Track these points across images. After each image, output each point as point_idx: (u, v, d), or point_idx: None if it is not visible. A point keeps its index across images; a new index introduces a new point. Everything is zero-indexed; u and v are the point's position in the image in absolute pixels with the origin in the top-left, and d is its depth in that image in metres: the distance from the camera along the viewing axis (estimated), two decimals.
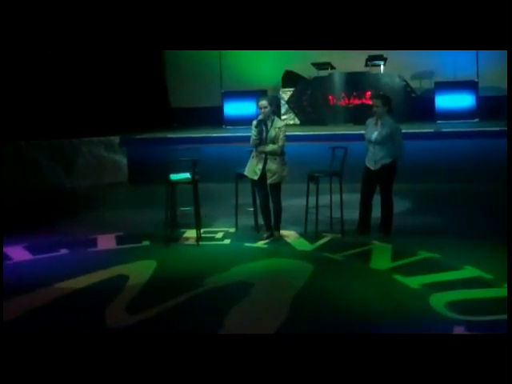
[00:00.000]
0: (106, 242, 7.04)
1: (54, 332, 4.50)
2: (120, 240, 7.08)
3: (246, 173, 6.82)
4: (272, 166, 6.62)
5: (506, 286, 5.05)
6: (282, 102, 12.21)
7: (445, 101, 11.52)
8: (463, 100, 11.48)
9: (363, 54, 11.77)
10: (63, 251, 6.71)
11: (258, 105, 6.71)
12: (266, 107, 6.60)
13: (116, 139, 11.23)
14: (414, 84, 12.59)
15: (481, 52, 11.90)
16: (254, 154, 6.74)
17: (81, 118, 11.27)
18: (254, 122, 6.63)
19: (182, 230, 7.21)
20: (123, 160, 11.21)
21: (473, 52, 11.87)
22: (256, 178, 6.72)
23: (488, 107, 11.32)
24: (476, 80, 11.68)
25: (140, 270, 5.94)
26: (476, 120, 11.19)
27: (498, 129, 9.86)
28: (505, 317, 4.22)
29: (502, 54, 11.23)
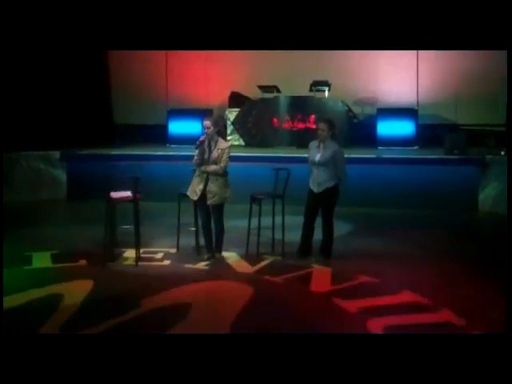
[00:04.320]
0: (41, 259, 6.82)
1: None
2: (56, 258, 6.88)
3: (188, 193, 6.76)
4: (213, 187, 6.58)
5: (442, 311, 5.15)
6: (228, 122, 12.21)
7: (386, 127, 11.77)
8: (404, 127, 11.76)
9: (308, 79, 11.96)
10: None
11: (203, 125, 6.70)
12: (209, 128, 6.58)
13: (56, 154, 10.97)
14: (357, 110, 12.81)
15: (420, 80, 12.31)
16: (197, 173, 6.69)
17: (20, 132, 10.95)
18: (197, 143, 6.61)
19: (122, 250, 7.06)
20: (62, 176, 10.95)
21: (413, 80, 12.28)
22: (196, 198, 6.67)
23: (426, 135, 11.66)
24: (416, 108, 12.02)
25: (75, 290, 5.77)
26: (415, 147, 11.49)
27: (435, 157, 10.19)
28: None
29: (440, 82, 11.79)
